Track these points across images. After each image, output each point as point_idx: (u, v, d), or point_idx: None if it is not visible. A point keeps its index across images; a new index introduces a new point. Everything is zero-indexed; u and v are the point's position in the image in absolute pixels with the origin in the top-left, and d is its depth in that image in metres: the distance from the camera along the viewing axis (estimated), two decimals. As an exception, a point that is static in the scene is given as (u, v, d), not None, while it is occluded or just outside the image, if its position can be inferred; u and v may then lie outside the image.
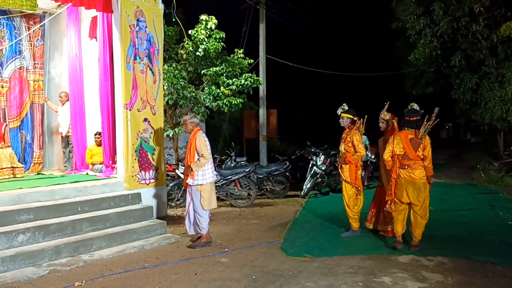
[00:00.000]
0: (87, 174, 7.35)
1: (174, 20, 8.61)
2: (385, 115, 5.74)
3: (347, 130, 5.75)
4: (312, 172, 9.39)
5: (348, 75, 16.74)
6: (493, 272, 4.19)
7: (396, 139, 5.06)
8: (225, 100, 8.70)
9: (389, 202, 5.11)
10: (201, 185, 5.31)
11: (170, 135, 8.35)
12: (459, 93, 13.39)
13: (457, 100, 13.81)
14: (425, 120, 4.94)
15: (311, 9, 15.73)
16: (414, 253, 4.83)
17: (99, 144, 7.47)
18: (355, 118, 5.74)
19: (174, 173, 8.31)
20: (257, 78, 9.20)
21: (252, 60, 9.62)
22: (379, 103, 5.92)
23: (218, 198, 8.30)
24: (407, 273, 4.21)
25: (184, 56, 9.03)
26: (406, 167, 4.95)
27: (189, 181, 5.33)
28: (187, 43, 8.86)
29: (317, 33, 18.29)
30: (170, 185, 8.00)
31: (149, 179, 6.69)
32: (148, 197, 6.59)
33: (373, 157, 11.15)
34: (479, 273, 4.17)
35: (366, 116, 5.94)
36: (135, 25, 6.53)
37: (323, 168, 9.41)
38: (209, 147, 5.37)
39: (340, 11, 21.76)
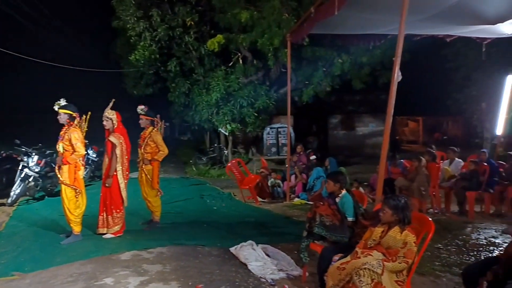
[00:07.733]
0: None
1: None
2: (109, 113, 5.61)
3: (66, 127, 5.33)
4: (23, 175, 8.10)
5: (70, 69, 15.33)
6: (202, 253, 4.86)
7: None
8: None
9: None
10: None
11: None
12: (175, 96, 14.91)
13: (173, 102, 15.29)
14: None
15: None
16: (134, 248, 4.98)
17: None
18: (74, 115, 5.37)
19: None
20: None
21: None
22: (104, 100, 5.71)
23: None
24: (129, 269, 4.30)
25: None
26: None
27: None
28: None
29: (31, 18, 15.93)
30: None
31: None
32: None
33: (94, 155, 10.80)
34: (191, 256, 4.75)
35: (89, 113, 5.63)
36: None
37: (36, 170, 8.28)
38: None
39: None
